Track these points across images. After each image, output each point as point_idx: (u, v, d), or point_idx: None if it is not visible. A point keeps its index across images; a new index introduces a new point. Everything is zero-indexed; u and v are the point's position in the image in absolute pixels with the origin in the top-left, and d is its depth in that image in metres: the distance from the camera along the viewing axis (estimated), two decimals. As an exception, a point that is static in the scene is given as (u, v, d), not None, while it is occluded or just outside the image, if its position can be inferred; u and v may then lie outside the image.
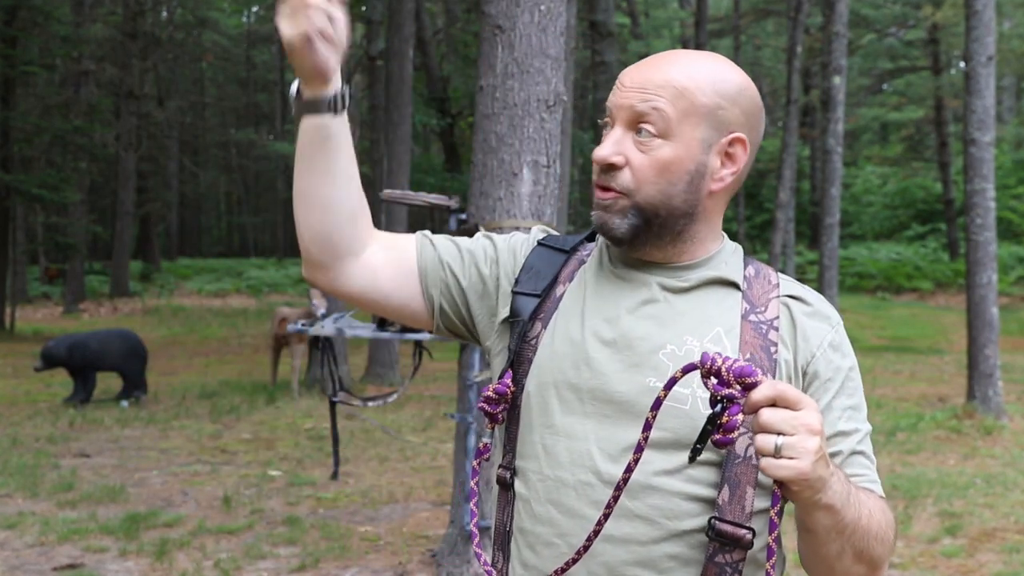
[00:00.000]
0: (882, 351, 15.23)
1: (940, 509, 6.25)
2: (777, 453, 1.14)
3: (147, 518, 5.94)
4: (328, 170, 1.37)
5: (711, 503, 1.31)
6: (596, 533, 1.28)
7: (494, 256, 1.49)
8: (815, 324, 1.39)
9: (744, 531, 1.30)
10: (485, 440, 1.43)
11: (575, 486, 1.33)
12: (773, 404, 1.16)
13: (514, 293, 1.46)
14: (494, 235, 1.53)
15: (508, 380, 1.40)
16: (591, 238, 1.54)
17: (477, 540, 1.37)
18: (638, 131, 1.35)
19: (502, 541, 1.43)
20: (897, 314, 20.44)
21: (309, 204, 1.39)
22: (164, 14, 31.57)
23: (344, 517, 6.11)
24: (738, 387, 1.17)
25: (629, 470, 1.25)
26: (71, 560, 5.21)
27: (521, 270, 1.48)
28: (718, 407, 1.18)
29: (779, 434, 1.14)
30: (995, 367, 8.95)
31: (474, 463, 1.42)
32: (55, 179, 18.48)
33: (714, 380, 1.18)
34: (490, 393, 1.40)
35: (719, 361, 1.18)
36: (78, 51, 21.15)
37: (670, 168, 1.36)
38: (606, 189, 1.38)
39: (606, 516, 1.27)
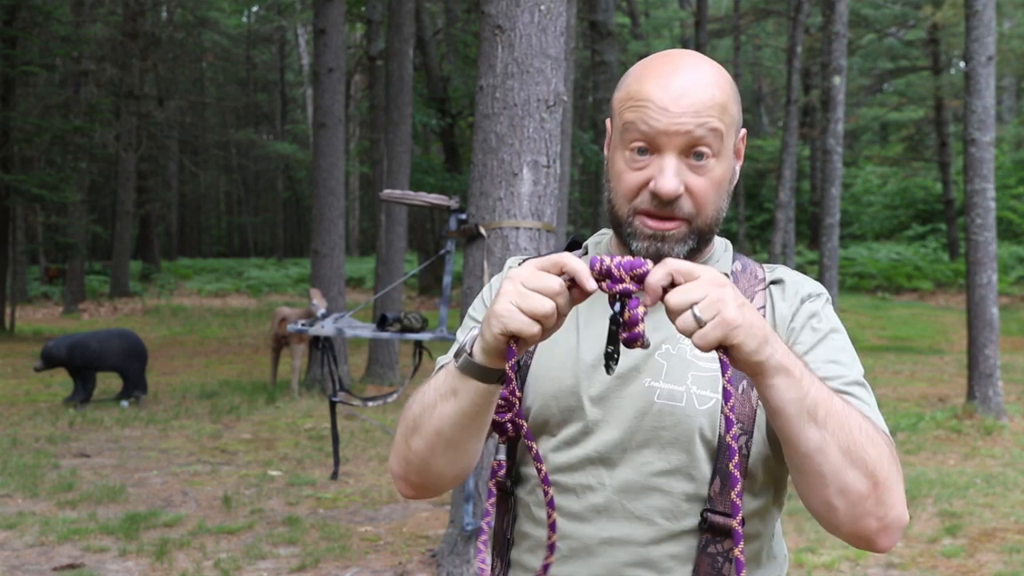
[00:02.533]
0: (882, 351, 15.23)
1: (940, 509, 6.25)
2: (699, 323, 1.11)
3: (147, 518, 5.94)
4: (482, 427, 1.31)
5: (703, 499, 1.32)
6: (552, 527, 1.28)
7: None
8: (789, 301, 1.40)
9: (735, 521, 1.30)
10: (499, 458, 1.41)
11: (576, 490, 1.35)
12: (672, 284, 1.14)
13: None
14: (478, 303, 1.51)
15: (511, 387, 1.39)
16: (571, 246, 1.55)
17: (484, 537, 1.37)
18: (694, 155, 1.31)
19: (501, 547, 1.44)
20: (897, 314, 20.43)
21: (456, 454, 1.34)
22: (164, 14, 31.57)
23: (344, 517, 6.11)
24: (631, 281, 1.16)
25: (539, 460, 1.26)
26: (71, 560, 5.21)
27: None
28: (617, 306, 1.17)
29: (692, 305, 1.12)
30: (995, 367, 8.95)
31: (490, 483, 1.42)
32: (55, 179, 18.47)
33: (607, 281, 1.16)
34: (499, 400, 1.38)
35: (607, 261, 1.17)
36: (78, 51, 21.14)
37: (722, 185, 1.35)
38: (667, 218, 1.33)
39: (550, 506, 1.27)
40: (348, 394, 6.27)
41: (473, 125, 4.90)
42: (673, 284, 1.13)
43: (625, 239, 1.37)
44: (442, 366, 1.46)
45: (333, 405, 5.33)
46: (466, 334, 1.46)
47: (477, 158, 4.68)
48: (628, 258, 1.16)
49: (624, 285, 1.15)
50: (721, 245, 1.46)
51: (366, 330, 5.45)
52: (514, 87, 4.55)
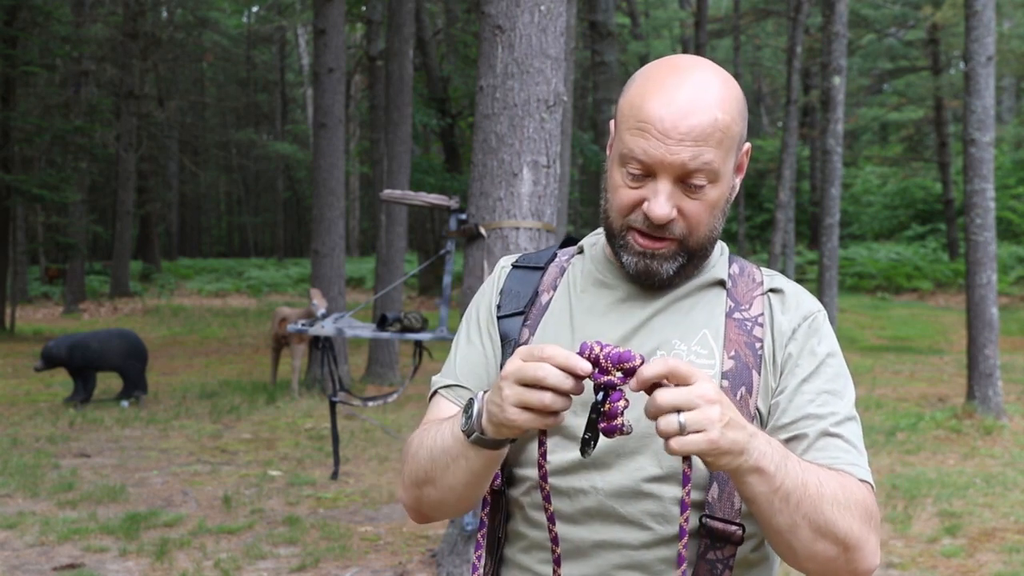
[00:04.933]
0: (882, 351, 15.23)
1: (940, 509, 6.25)
2: (683, 431, 1.13)
3: (147, 518, 5.94)
4: (487, 479, 1.35)
5: (702, 505, 1.33)
6: (554, 538, 1.30)
7: (481, 328, 1.49)
8: (789, 316, 1.40)
9: (734, 527, 1.32)
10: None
11: (568, 492, 1.35)
12: (663, 382, 1.15)
13: (499, 319, 1.46)
14: (471, 315, 1.52)
15: None
16: (565, 244, 1.55)
17: (481, 551, 1.39)
18: (688, 182, 1.32)
19: (491, 545, 1.45)
20: (897, 314, 20.43)
21: (469, 500, 1.38)
22: (164, 14, 31.57)
23: (344, 517, 6.11)
24: (618, 373, 1.16)
25: (541, 464, 1.28)
26: (71, 560, 5.21)
27: (500, 295, 1.49)
28: (600, 395, 1.17)
29: (678, 411, 1.13)
30: (995, 367, 8.95)
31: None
32: (55, 179, 18.47)
33: (594, 369, 1.17)
34: None
35: (597, 349, 1.17)
36: (78, 51, 21.14)
37: (717, 206, 1.36)
38: (659, 239, 1.35)
39: (549, 515, 1.29)
40: (348, 394, 6.28)
41: (473, 125, 4.90)
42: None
43: (616, 251, 1.39)
44: (436, 391, 1.48)
45: (333, 405, 5.33)
46: (456, 351, 1.47)
47: (477, 158, 4.68)
48: (618, 350, 1.17)
49: (609, 377, 1.16)
50: (717, 249, 1.46)
51: (366, 330, 5.46)
52: (514, 87, 4.56)
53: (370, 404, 5.43)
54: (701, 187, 1.32)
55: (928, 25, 25.71)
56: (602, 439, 1.21)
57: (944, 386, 11.52)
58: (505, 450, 1.30)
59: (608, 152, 1.42)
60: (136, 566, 5.13)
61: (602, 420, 1.17)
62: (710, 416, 1.13)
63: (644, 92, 1.34)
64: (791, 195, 17.51)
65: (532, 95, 4.56)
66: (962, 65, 11.80)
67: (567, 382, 1.16)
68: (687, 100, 1.30)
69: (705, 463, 1.18)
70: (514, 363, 1.18)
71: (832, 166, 13.40)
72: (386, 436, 8.45)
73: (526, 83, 4.55)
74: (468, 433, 1.27)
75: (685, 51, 27.63)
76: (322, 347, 5.71)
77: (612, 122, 1.42)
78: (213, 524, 5.86)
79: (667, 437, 1.14)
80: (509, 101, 4.56)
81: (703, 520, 1.32)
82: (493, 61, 4.60)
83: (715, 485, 1.31)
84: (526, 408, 1.17)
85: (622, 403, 1.17)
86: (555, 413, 1.18)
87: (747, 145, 1.41)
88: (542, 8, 4.56)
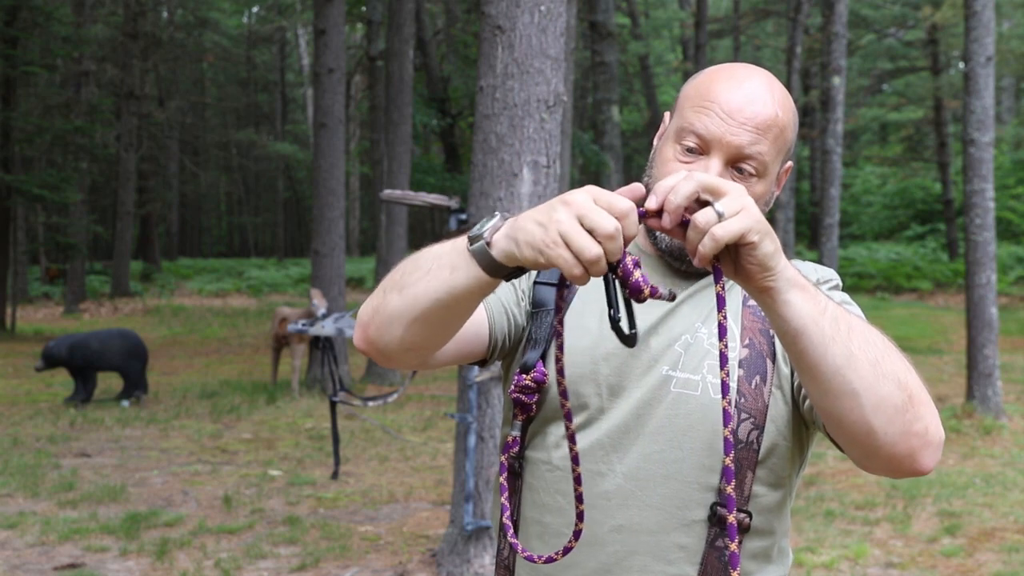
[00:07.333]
0: (882, 351, 15.20)
1: (939, 509, 6.26)
2: (721, 218, 1.07)
3: (148, 518, 5.95)
4: (462, 314, 1.26)
5: (716, 493, 1.34)
6: (580, 515, 1.24)
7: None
8: None
9: (743, 515, 1.33)
10: (514, 434, 1.41)
11: (586, 475, 1.34)
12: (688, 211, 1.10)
13: (536, 284, 1.47)
14: None
15: (543, 368, 1.38)
16: None
17: (511, 532, 1.33)
18: (738, 167, 1.34)
19: (506, 531, 1.44)
20: (897, 314, 20.42)
21: (424, 329, 1.26)
22: (165, 14, 31.58)
23: (344, 517, 6.12)
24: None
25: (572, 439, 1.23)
26: (72, 560, 5.22)
27: None
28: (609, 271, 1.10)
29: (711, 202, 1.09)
30: (994, 367, 8.95)
31: (502, 457, 1.41)
32: (56, 179, 18.47)
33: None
34: (527, 382, 1.38)
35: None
36: (79, 51, 21.15)
37: (757, 203, 1.34)
38: None
39: (579, 496, 1.24)
40: (348, 394, 6.29)
41: (473, 125, 4.91)
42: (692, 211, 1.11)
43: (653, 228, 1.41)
44: None
45: (333, 405, 5.35)
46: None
47: (477, 158, 4.69)
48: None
49: None
50: None
51: (366, 330, 5.46)
52: (514, 87, 4.56)
53: (370, 404, 5.44)
54: (750, 176, 1.34)
55: (928, 25, 25.71)
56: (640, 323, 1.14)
57: (944, 386, 11.52)
58: (491, 287, 1.20)
59: (656, 141, 1.44)
60: (136, 566, 5.14)
61: (624, 287, 1.10)
62: (745, 200, 1.09)
63: (712, 78, 1.38)
64: (791, 195, 17.52)
65: (532, 95, 4.57)
66: (962, 65, 11.81)
67: (621, 228, 1.06)
68: (753, 91, 1.35)
69: (746, 263, 1.10)
70: (583, 199, 1.07)
71: (832, 166, 13.42)
72: (386, 436, 8.45)
73: (526, 83, 4.56)
74: (473, 240, 1.17)
75: (685, 51, 27.66)
76: (322, 347, 5.72)
77: (667, 113, 1.45)
78: (213, 524, 5.87)
79: (706, 231, 1.07)
80: (509, 101, 4.57)
81: (714, 508, 1.32)
82: (493, 61, 4.61)
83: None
84: (567, 243, 1.06)
85: (629, 260, 1.10)
86: (577, 274, 1.07)
87: (790, 163, 1.44)
88: (542, 8, 4.57)
